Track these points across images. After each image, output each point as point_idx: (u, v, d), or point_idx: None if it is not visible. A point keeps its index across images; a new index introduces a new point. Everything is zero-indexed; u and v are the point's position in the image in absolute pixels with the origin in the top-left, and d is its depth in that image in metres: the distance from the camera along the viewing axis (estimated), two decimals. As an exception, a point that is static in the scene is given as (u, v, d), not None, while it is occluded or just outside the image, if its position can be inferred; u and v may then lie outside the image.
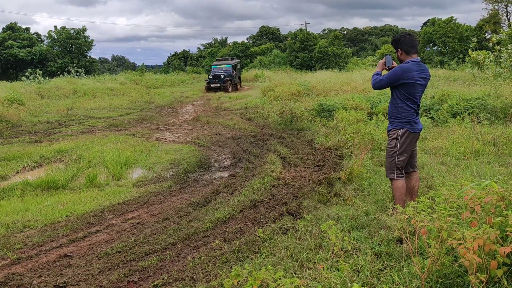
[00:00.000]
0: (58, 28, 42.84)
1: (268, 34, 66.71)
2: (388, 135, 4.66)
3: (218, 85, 26.67)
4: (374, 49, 65.96)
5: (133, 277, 3.78)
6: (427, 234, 3.01)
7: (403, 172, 4.54)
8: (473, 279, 2.51)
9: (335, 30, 79.43)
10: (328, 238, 3.62)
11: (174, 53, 69.03)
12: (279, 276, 2.50)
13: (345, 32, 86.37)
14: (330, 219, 4.55)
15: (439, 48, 41.90)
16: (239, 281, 2.54)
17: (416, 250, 3.11)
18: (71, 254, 4.35)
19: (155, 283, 3.61)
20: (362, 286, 3.11)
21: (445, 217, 2.86)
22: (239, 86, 29.38)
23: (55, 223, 5.25)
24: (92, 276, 3.84)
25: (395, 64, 4.68)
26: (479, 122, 9.12)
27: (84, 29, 43.25)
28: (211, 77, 27.19)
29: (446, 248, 2.85)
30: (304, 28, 55.96)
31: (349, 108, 11.71)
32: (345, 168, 6.52)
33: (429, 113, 10.95)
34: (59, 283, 3.72)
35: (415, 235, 3.23)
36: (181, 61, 62.62)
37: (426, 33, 42.37)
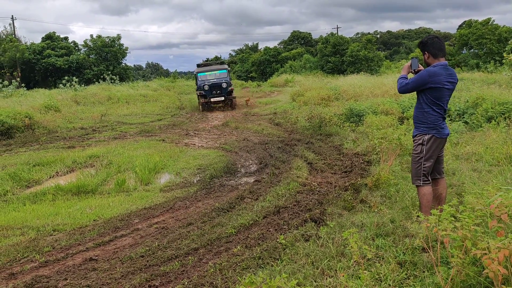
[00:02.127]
0: (94, 36, 44.20)
1: (299, 39, 66.50)
2: (413, 141, 4.53)
3: (222, 98, 19.45)
4: (407, 52, 64.75)
5: (155, 281, 3.82)
6: (450, 244, 2.91)
7: (430, 178, 4.40)
8: (498, 291, 2.39)
9: (368, 33, 78.41)
10: (350, 246, 3.55)
11: (206, 59, 69.87)
12: (293, 284, 2.46)
13: (378, 36, 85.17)
14: (354, 226, 4.47)
15: (476, 51, 40.68)
16: (253, 288, 2.52)
17: (439, 259, 2.99)
18: (96, 257, 4.44)
19: (176, 288, 3.63)
20: (383, 296, 3.03)
21: (469, 226, 2.75)
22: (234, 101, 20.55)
23: (83, 227, 5.38)
24: (115, 280, 3.90)
25: (421, 67, 4.56)
26: (516, 126, 8.76)
27: (118, 37, 44.45)
28: (207, 88, 19.26)
29: (470, 258, 2.74)
30: (335, 32, 55.53)
31: (379, 112, 11.51)
32: (372, 174, 6.39)
33: (463, 117, 10.62)
34: (83, 286, 3.80)
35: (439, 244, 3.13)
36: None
37: (462, 35, 41.21)
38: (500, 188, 3.36)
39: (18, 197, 6.81)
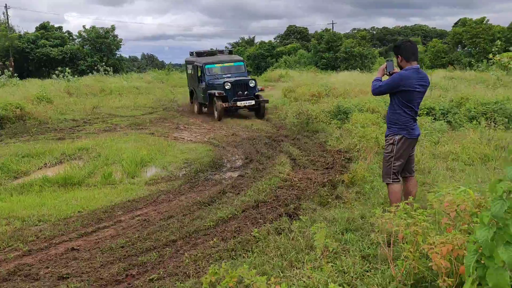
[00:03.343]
0: (88, 27, 44.15)
1: (296, 34, 66.50)
2: (385, 141, 4.74)
3: (253, 102, 14.15)
4: (402, 49, 64.85)
5: (132, 271, 4.01)
6: (405, 239, 3.11)
7: (399, 177, 4.61)
8: (441, 282, 2.61)
9: (364, 29, 78.48)
10: (320, 240, 3.75)
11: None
12: (253, 274, 2.66)
13: (375, 32, 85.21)
14: (325, 221, 4.67)
15: (469, 49, 41.01)
16: (217, 278, 2.72)
17: (391, 253, 3.20)
18: (78, 247, 4.62)
19: (151, 277, 3.83)
20: (341, 286, 3.23)
21: (420, 222, 2.96)
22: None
23: (67, 218, 5.55)
24: (94, 269, 4.09)
25: (396, 70, 4.73)
26: (496, 126, 9.01)
27: (113, 28, 44.39)
28: (229, 87, 14.04)
29: (419, 253, 2.95)
30: (330, 28, 55.66)
31: (366, 110, 11.71)
32: (350, 171, 6.60)
33: (447, 116, 10.85)
34: (63, 274, 3.99)
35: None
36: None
37: (456, 33, 41.52)
38: (458, 186, 3.56)
39: (6, 187, 6.95)
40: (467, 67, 33.46)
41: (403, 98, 4.46)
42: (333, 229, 4.41)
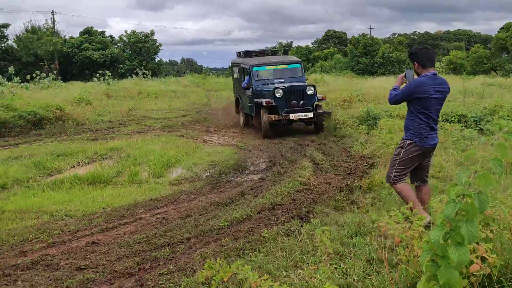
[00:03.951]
0: (129, 32, 45.55)
1: (334, 38, 66.08)
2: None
3: (310, 114, 11.34)
4: (444, 54, 63.33)
5: (145, 265, 4.21)
6: (403, 244, 3.15)
7: (403, 178, 4.59)
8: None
9: (405, 34, 76.91)
10: (323, 242, 3.82)
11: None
12: (248, 269, 2.77)
13: (416, 37, 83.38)
14: (336, 225, 4.73)
15: (515, 55, 39.55)
16: (212, 272, 2.85)
17: (386, 257, 3.24)
18: (98, 241, 4.87)
19: (161, 272, 4.01)
20: (340, 287, 3.29)
21: (417, 227, 2.99)
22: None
23: (92, 214, 5.84)
24: (110, 261, 4.31)
25: (416, 78, 4.71)
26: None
27: (152, 33, 45.68)
28: (280, 95, 11.28)
29: (414, 257, 2.98)
30: (368, 33, 54.99)
31: (395, 116, 11.60)
32: (367, 176, 6.60)
33: (479, 124, 10.59)
34: (81, 265, 4.23)
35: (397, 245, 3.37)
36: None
37: (499, 39, 40.12)
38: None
39: (39, 184, 7.37)
40: (510, 74, 32.28)
41: (419, 105, 4.43)
42: (342, 233, 4.46)
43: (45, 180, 7.72)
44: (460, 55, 38.61)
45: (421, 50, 4.53)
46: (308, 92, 11.39)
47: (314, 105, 11.53)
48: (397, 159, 4.53)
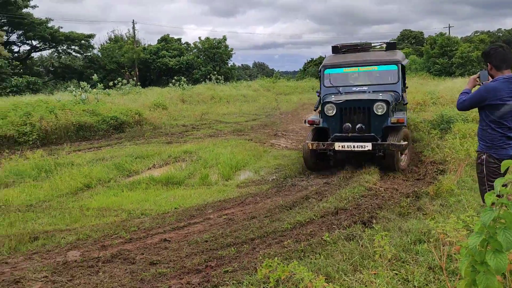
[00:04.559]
0: (203, 38, 47.31)
1: (410, 38, 63.74)
2: (476, 157, 4.40)
3: (369, 146, 7.66)
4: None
5: (211, 262, 4.47)
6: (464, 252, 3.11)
7: None
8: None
9: (488, 31, 72.28)
10: (382, 247, 3.85)
11: (310, 59, 70.06)
12: (304, 269, 2.91)
13: (500, 34, 78.08)
14: (399, 231, 4.71)
15: None
16: (270, 271, 3.01)
17: (444, 264, 3.21)
18: (170, 239, 5.23)
19: (226, 269, 4.25)
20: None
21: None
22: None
23: (165, 213, 6.26)
24: (180, 258, 4.63)
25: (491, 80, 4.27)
26: None
27: (224, 39, 47.05)
28: (332, 114, 8.10)
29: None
30: (446, 32, 52.43)
31: (471, 120, 11.07)
32: (436, 183, 6.43)
33: None
34: (154, 260, 4.59)
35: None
36: (317, 67, 63.35)
37: None
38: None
39: (119, 184, 7.99)
40: None
41: (491, 113, 3.99)
42: (405, 239, 4.44)
43: (124, 180, 8.35)
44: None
45: (495, 50, 4.06)
46: (376, 111, 7.75)
47: (383, 130, 7.90)
48: (483, 176, 4.12)
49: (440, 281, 3.55)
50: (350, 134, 7.94)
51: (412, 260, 4.01)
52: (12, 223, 5.95)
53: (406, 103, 8.96)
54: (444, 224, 3.15)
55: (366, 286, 3.51)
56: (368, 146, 7.66)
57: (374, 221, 5.19)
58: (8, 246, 5.10)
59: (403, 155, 8.25)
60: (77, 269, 4.45)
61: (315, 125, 8.40)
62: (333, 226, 5.21)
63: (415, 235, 4.54)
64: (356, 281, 3.67)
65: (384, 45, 10.27)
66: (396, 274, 3.72)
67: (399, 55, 9.46)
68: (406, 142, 7.73)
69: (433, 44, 43.38)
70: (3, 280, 4.23)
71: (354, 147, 7.78)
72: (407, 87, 10.17)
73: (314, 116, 8.71)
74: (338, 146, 7.85)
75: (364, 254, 4.16)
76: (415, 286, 3.54)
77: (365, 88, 8.97)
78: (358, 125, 7.93)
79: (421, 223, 4.80)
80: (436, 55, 41.84)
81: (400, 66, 8.89)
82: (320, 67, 9.70)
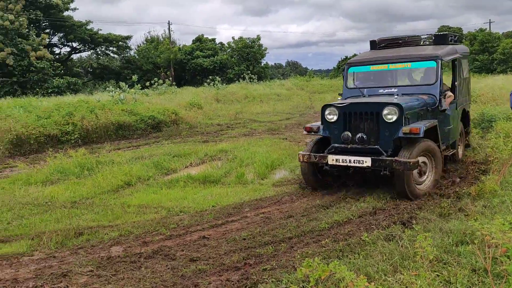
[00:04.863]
0: (236, 38, 47.58)
1: (448, 35, 61.93)
2: None
3: (367, 161, 6.22)
4: None
5: (250, 260, 4.53)
6: (509, 254, 3.03)
7: None
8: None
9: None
10: (423, 248, 3.79)
11: (344, 57, 69.24)
12: (344, 269, 2.91)
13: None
14: (440, 232, 4.62)
15: None
16: (310, 270, 3.03)
17: (489, 266, 3.14)
18: (208, 236, 5.33)
19: (265, 267, 4.29)
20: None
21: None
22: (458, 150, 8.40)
23: (203, 211, 6.37)
24: (219, 255, 4.72)
25: None
26: None
27: (258, 38, 47.14)
28: (331, 119, 6.80)
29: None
30: (486, 27, 50.68)
31: (515, 118, 10.69)
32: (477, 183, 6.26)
33: None
34: (194, 257, 4.69)
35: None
36: (350, 65, 62.31)
37: None
38: None
39: (158, 182, 8.17)
40: None
41: None
42: (447, 241, 4.36)
43: (162, 178, 8.53)
44: None
45: None
46: (386, 118, 6.28)
47: (393, 142, 6.33)
48: None
49: (485, 284, 3.48)
50: (350, 146, 6.58)
51: (455, 262, 3.94)
52: (58, 219, 6.21)
53: (444, 109, 7.10)
54: (489, 225, 3.08)
55: (406, 287, 3.47)
56: (367, 161, 6.21)
57: (414, 221, 5.11)
58: (55, 241, 5.33)
59: (425, 176, 6.57)
60: (121, 264, 4.60)
61: (313, 133, 7.14)
62: (372, 226, 5.17)
63: (457, 236, 4.46)
64: (396, 281, 3.64)
65: (432, 38, 8.41)
66: (438, 275, 3.66)
67: (447, 49, 7.68)
68: (416, 160, 5.97)
69: (472, 40, 42.08)
70: (52, 273, 4.43)
71: (350, 161, 6.36)
72: (447, 90, 7.81)
73: (311, 124, 7.34)
74: (331, 159, 6.54)
75: (404, 254, 4.12)
76: (457, 288, 3.48)
77: (394, 90, 7.45)
78: (359, 135, 6.45)
79: (463, 224, 4.70)
80: (476, 52, 40.55)
81: (440, 62, 7.13)
82: (345, 67, 8.25)
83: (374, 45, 8.86)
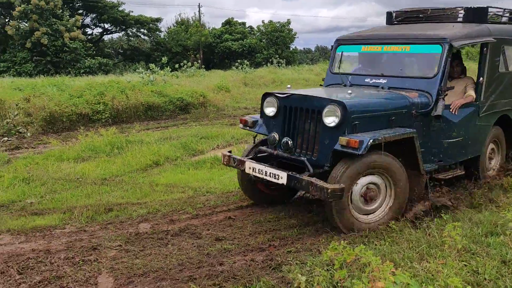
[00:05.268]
0: (266, 21, 47.26)
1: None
2: None
3: (283, 177, 4.63)
4: None
5: (275, 242, 4.57)
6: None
7: None
8: None
9: None
10: (452, 238, 3.74)
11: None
12: (370, 254, 2.90)
13: None
14: (469, 222, 4.54)
15: None
16: (336, 253, 3.04)
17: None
18: (234, 217, 5.38)
19: (289, 250, 4.32)
20: (469, 284, 3.22)
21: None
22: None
23: (229, 192, 6.43)
24: (244, 236, 4.77)
25: None
26: None
27: (288, 22, 46.69)
28: (269, 113, 5.27)
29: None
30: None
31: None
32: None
33: None
34: (220, 236, 4.76)
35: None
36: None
37: None
38: None
39: (185, 162, 8.28)
40: None
41: None
42: (476, 231, 4.28)
43: (190, 159, 8.64)
44: None
45: None
46: (325, 119, 4.62)
47: (330, 156, 4.60)
48: None
49: (513, 275, 3.40)
50: (275, 152, 5.14)
51: (483, 252, 3.86)
52: (89, 195, 6.38)
53: (438, 115, 5.06)
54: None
55: (433, 275, 3.44)
56: (283, 177, 4.63)
57: (443, 211, 5.03)
58: (85, 216, 5.49)
59: (375, 204, 4.76)
60: (148, 240, 4.71)
61: (248, 128, 5.72)
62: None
63: (487, 227, 4.37)
64: (422, 269, 3.59)
65: (446, 11, 6.37)
66: (466, 265, 3.60)
67: (470, 30, 5.68)
68: (340, 186, 4.22)
69: None
70: (82, 246, 4.58)
71: (266, 173, 4.81)
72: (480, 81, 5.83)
73: (247, 116, 5.90)
74: (249, 167, 5.03)
75: (432, 243, 4.07)
76: (485, 279, 3.42)
77: (382, 81, 5.64)
78: (284, 139, 4.96)
79: (494, 215, 4.60)
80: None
81: (447, 48, 5.13)
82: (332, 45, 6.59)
83: (390, 18, 6.95)
